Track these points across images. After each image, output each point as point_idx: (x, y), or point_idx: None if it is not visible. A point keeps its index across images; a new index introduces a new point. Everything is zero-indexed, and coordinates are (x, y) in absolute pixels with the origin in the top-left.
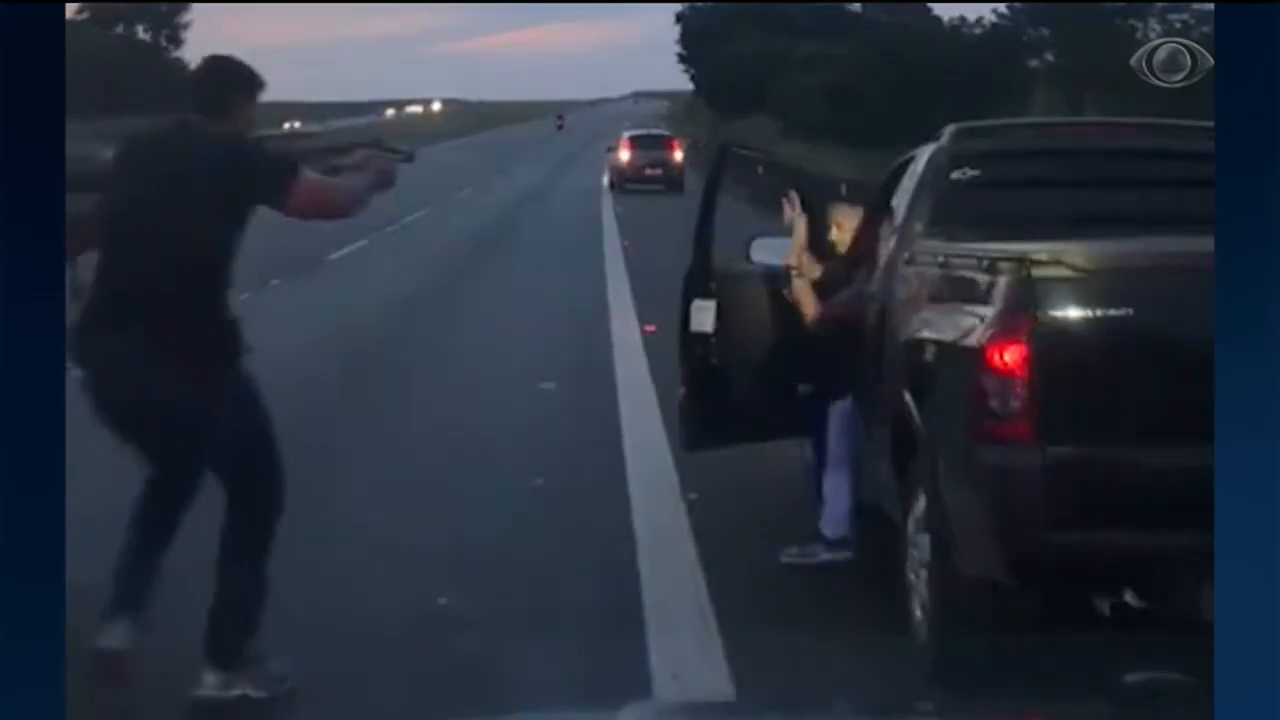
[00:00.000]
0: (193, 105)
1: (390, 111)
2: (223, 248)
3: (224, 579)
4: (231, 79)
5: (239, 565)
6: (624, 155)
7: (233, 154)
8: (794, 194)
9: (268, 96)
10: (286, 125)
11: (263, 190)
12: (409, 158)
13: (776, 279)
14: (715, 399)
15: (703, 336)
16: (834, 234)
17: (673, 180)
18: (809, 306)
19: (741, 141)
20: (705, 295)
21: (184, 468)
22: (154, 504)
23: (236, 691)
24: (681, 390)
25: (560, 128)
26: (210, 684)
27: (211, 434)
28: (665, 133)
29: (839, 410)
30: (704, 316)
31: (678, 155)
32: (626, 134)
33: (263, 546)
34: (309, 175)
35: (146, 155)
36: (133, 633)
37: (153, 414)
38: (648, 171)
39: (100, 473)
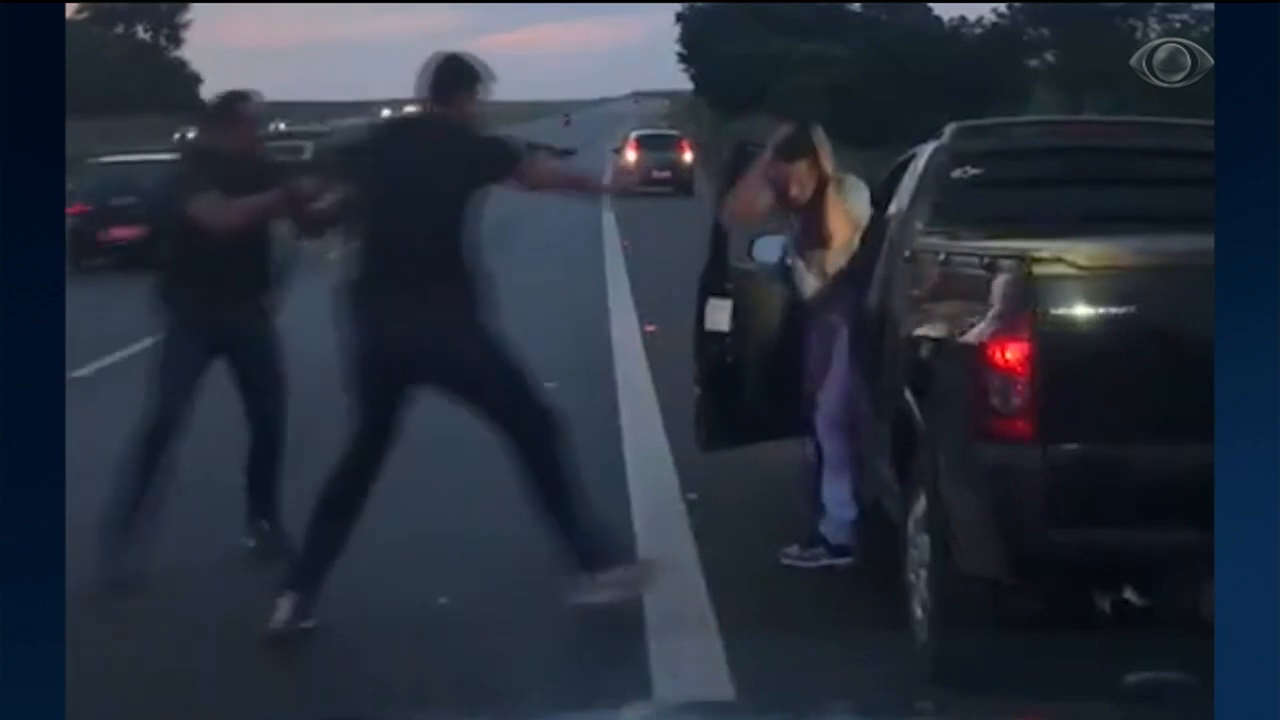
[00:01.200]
0: (429, 97)
1: (387, 112)
2: (464, 216)
3: (552, 494)
4: (459, 75)
5: (550, 484)
6: (630, 156)
7: (464, 139)
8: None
9: (266, 97)
10: (271, 126)
11: (491, 170)
12: (572, 154)
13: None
14: (732, 398)
15: (718, 335)
16: (794, 190)
17: (682, 183)
18: (840, 229)
19: (750, 140)
20: (721, 294)
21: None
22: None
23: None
24: (697, 390)
25: (567, 123)
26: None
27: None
28: (674, 132)
29: (827, 410)
30: (720, 315)
31: (687, 156)
32: (633, 134)
33: (554, 465)
34: (535, 160)
35: (395, 140)
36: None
37: (416, 362)
38: (655, 174)
39: None
